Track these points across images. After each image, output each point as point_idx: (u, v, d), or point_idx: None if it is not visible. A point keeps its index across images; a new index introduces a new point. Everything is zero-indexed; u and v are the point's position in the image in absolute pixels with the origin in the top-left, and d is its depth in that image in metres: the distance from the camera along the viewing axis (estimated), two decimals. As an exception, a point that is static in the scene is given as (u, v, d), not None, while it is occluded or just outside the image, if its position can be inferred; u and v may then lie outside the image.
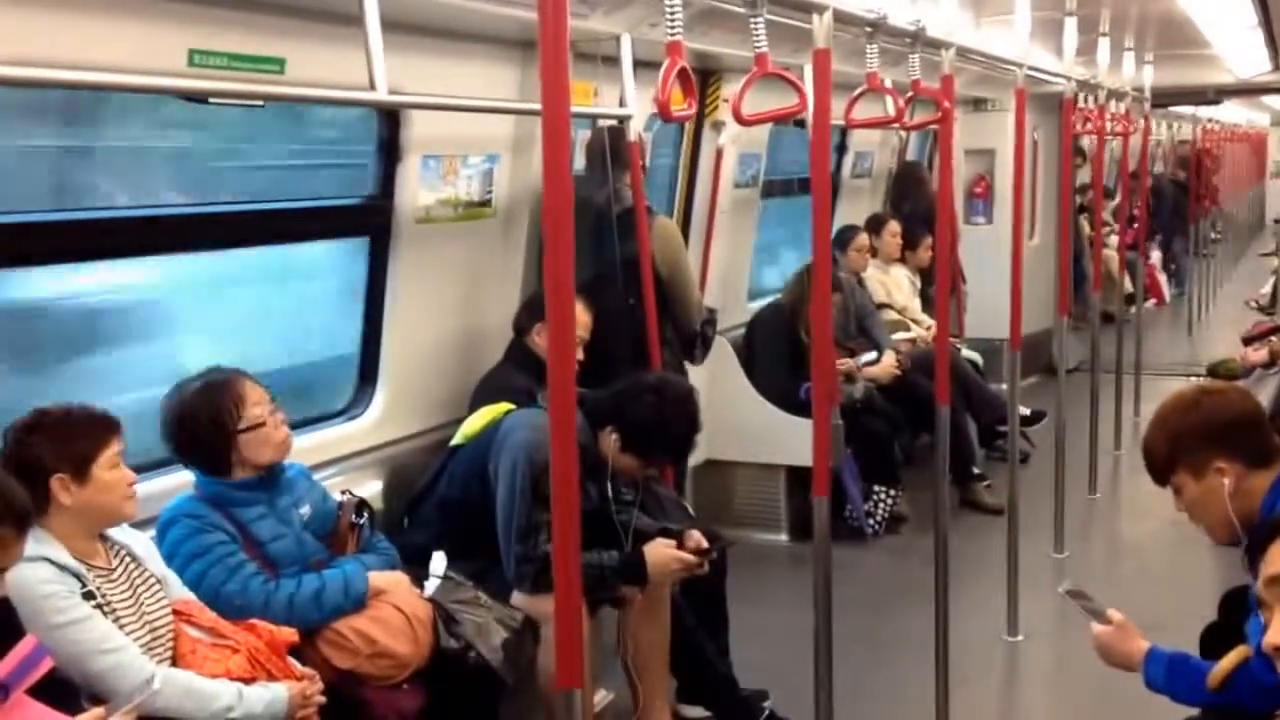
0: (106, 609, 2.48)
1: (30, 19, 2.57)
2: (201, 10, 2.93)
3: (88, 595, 2.46)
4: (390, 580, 3.07)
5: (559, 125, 1.74)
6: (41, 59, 2.50)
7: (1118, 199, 11.34)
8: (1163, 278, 13.15)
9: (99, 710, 2.19)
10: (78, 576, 2.46)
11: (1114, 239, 10.20)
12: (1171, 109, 12.88)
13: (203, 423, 2.92)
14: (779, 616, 4.48)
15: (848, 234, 6.78)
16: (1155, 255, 12.50)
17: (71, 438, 2.50)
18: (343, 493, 3.27)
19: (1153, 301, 11.95)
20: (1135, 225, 9.28)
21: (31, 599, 2.34)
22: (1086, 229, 9.73)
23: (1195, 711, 2.69)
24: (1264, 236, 19.95)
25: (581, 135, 4.41)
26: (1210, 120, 14.55)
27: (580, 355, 3.88)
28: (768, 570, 5.30)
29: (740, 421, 5.63)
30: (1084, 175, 10.25)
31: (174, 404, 2.96)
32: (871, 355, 6.19)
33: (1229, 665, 2.38)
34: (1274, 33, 7.20)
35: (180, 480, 3.08)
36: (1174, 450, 2.61)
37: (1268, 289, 10.41)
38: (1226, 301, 13.18)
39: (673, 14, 2.36)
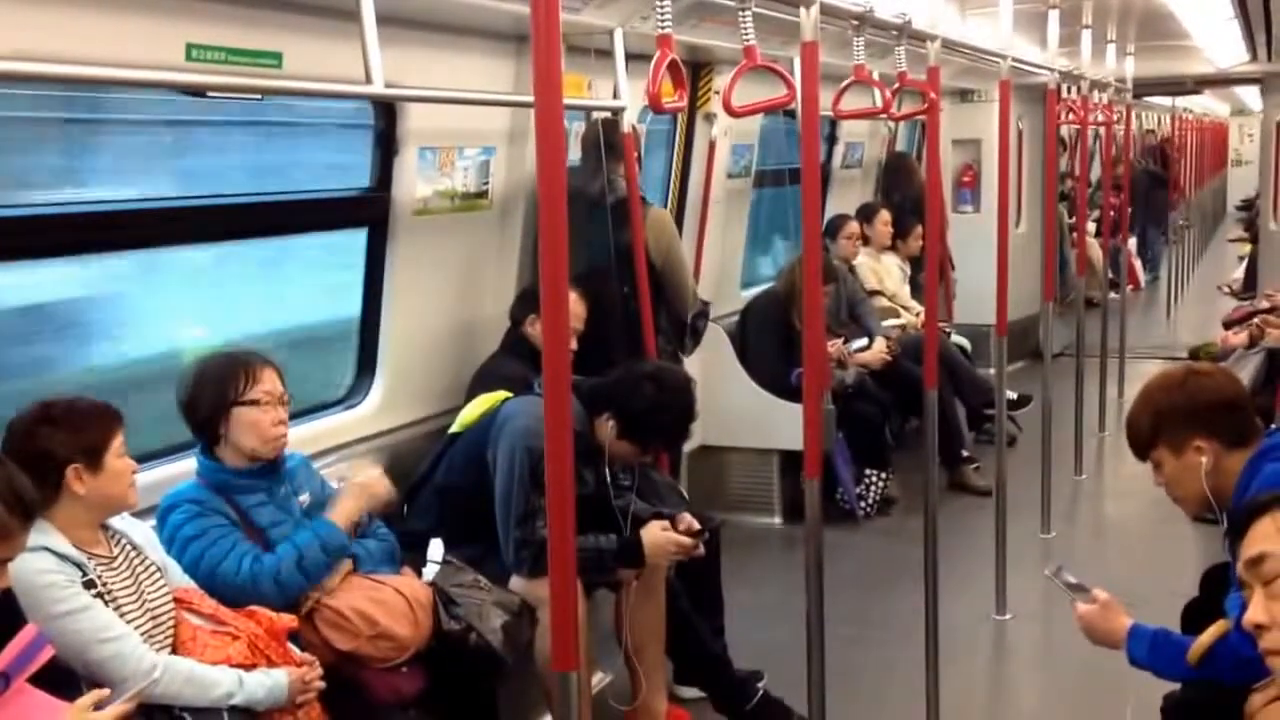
0: (108, 597, 2.49)
1: (29, 14, 2.58)
2: (199, 5, 2.95)
3: (89, 584, 2.46)
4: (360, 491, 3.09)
5: (552, 118, 1.76)
6: (40, 53, 2.52)
7: (1090, 187, 11.47)
8: (1138, 264, 13.30)
9: (99, 691, 2.20)
10: (79, 566, 2.46)
11: (1091, 226, 10.31)
12: (1141, 99, 13.04)
13: (208, 382, 2.96)
14: (773, 598, 4.55)
15: (838, 222, 6.85)
16: (1132, 242, 12.66)
17: (84, 427, 2.52)
18: (340, 480, 3.29)
19: (1129, 287, 12.12)
20: (1116, 213, 9.38)
21: (32, 589, 2.34)
22: (1066, 217, 9.83)
23: (1177, 686, 2.77)
24: (1227, 224, 20.15)
25: (576, 128, 4.45)
26: (1186, 110, 14.69)
27: (574, 344, 3.93)
28: (762, 552, 5.37)
29: (734, 407, 5.69)
30: (1062, 164, 10.36)
31: (195, 362, 3.05)
32: (863, 341, 6.26)
33: (1208, 640, 2.42)
34: (1250, 24, 7.26)
35: (180, 470, 3.12)
36: (1157, 427, 2.67)
37: (1239, 274, 10.53)
38: (1199, 286, 13.40)
39: (662, 8, 2.42)
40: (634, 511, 3.56)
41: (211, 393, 2.95)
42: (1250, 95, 16.09)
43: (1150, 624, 2.65)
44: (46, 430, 2.49)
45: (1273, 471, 2.49)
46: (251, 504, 2.98)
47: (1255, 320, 5.85)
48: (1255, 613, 1.96)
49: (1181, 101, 13.88)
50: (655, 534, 3.46)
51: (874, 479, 5.90)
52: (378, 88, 3.05)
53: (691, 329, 4.83)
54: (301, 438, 3.31)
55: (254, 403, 2.94)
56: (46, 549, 2.42)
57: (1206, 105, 18.22)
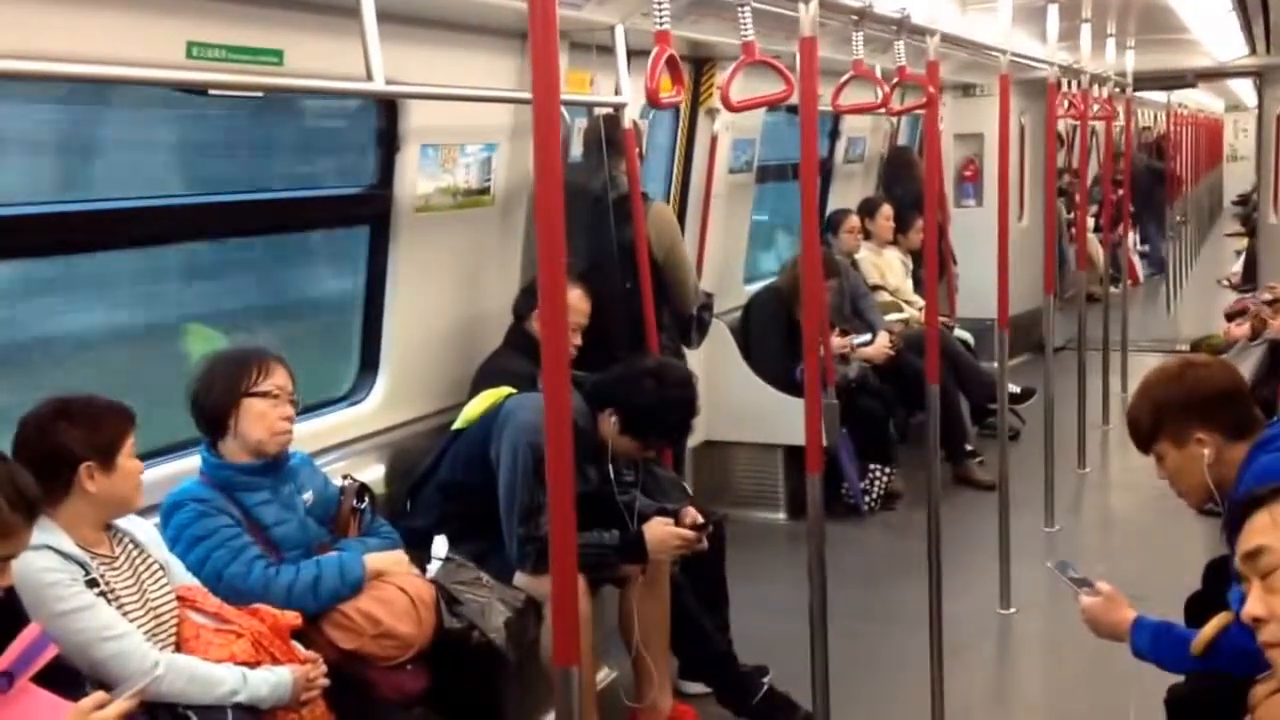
0: (110, 596, 2.48)
1: (29, 12, 2.59)
2: (199, 2, 2.95)
3: (91, 583, 2.45)
4: (390, 561, 3.09)
5: (549, 113, 1.76)
6: (40, 52, 2.52)
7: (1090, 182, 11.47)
8: (1136, 259, 13.33)
9: (102, 693, 2.18)
10: (81, 565, 2.45)
11: (1090, 221, 10.32)
12: (1138, 95, 13.06)
13: (221, 372, 2.98)
14: (778, 593, 4.55)
15: (839, 217, 6.86)
16: (1131, 237, 12.68)
17: (100, 426, 2.51)
18: (344, 478, 3.30)
19: (1128, 282, 12.15)
20: (1116, 208, 9.39)
21: (35, 587, 2.33)
22: (1065, 212, 9.82)
23: (1181, 678, 2.77)
24: (1224, 219, 20.13)
25: (579, 124, 4.46)
26: (1181, 105, 14.69)
27: (578, 340, 3.94)
28: (767, 548, 5.36)
29: (738, 402, 5.70)
30: (1061, 159, 10.36)
31: (208, 356, 3.08)
32: (866, 336, 6.26)
33: (1211, 632, 2.42)
34: (1249, 17, 7.26)
35: (181, 468, 3.13)
36: (1157, 420, 2.67)
37: (1239, 267, 10.53)
38: (1198, 280, 13.44)
39: (660, 4, 2.42)
40: (638, 508, 3.57)
41: (224, 382, 2.96)
42: (1245, 90, 16.10)
43: (1154, 616, 2.65)
44: (62, 426, 2.49)
45: (1267, 463, 2.49)
46: (255, 502, 2.98)
47: (1255, 310, 5.84)
48: (1253, 606, 1.96)
49: (1176, 97, 13.91)
50: (658, 529, 3.47)
51: (878, 474, 5.91)
52: (379, 85, 3.06)
53: (697, 321, 4.84)
54: (304, 435, 3.31)
55: (265, 394, 2.96)
56: (50, 547, 2.41)
57: (1201, 101, 18.23)
